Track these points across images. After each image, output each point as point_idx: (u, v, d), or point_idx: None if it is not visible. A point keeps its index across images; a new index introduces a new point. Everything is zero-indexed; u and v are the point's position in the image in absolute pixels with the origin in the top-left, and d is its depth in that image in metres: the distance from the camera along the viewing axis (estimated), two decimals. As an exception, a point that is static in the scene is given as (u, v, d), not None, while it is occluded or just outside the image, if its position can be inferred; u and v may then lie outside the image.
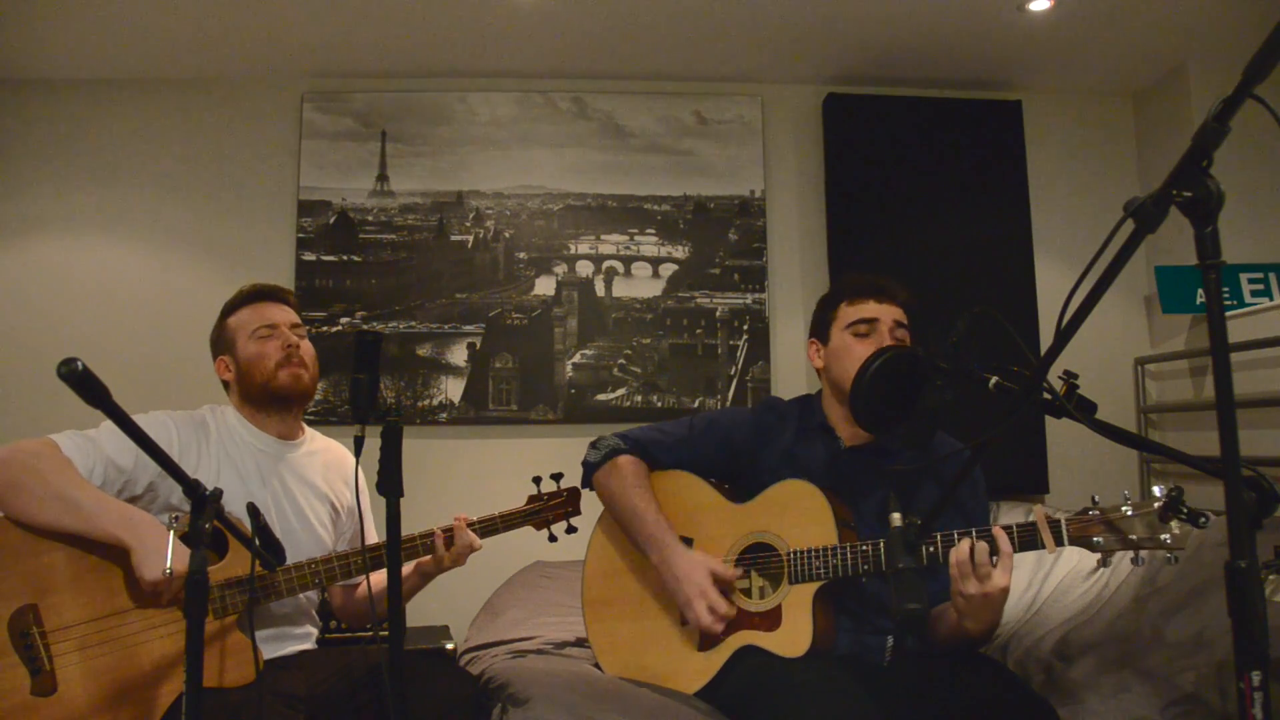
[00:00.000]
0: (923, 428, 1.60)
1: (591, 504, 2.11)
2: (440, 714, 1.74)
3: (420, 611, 2.99)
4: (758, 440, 2.01)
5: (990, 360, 1.49)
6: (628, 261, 3.69)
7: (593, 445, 2.08)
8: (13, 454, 1.69)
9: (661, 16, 3.23)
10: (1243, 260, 3.31)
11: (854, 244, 3.57)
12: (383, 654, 1.46)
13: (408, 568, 2.00)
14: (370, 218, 3.60)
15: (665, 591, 1.89)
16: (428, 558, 1.96)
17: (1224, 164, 1.00)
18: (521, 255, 3.65)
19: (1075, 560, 2.53)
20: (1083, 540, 1.52)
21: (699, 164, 3.73)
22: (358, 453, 1.44)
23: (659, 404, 3.62)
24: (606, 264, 3.68)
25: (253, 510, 1.50)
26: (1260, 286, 3.30)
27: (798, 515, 1.83)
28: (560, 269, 3.66)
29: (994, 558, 1.56)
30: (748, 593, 1.87)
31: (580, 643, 2.24)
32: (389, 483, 1.39)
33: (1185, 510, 1.40)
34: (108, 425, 1.78)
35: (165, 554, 1.55)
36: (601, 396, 3.61)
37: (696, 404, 3.63)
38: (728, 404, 3.62)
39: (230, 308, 2.04)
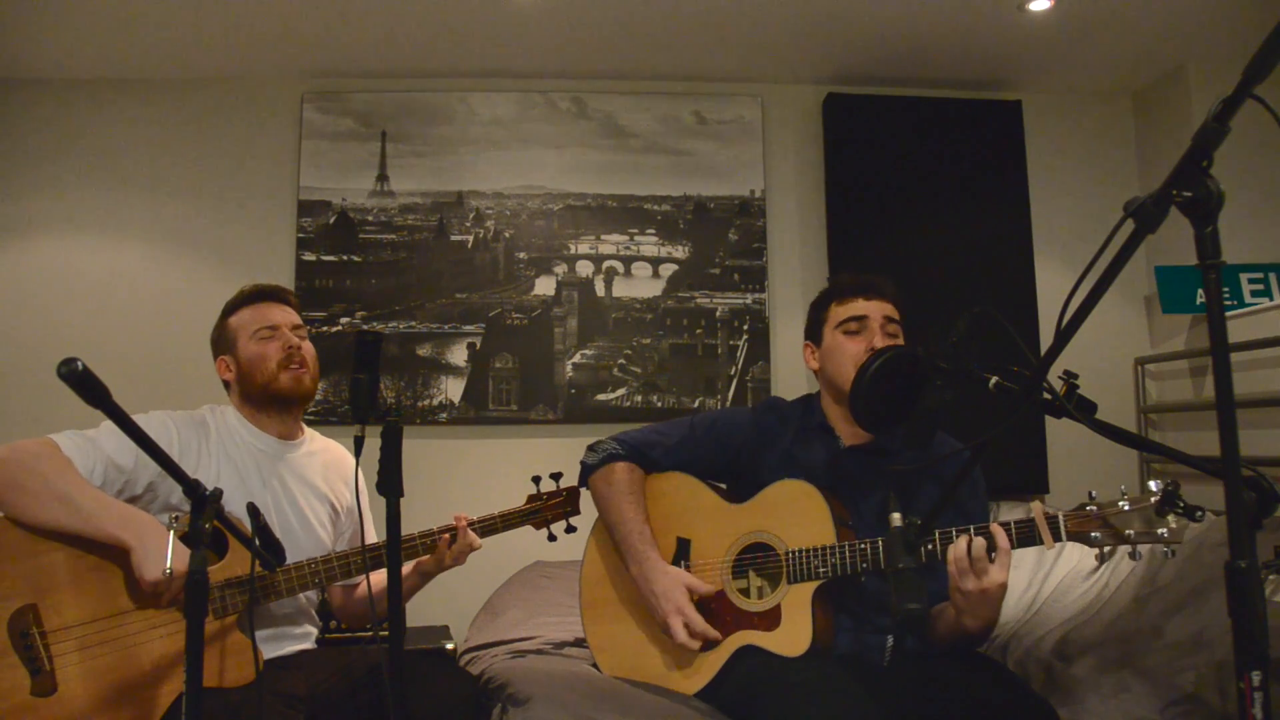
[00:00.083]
0: (923, 428, 1.60)
1: (590, 504, 2.11)
2: (440, 714, 1.74)
3: (420, 611, 2.99)
4: (758, 441, 2.01)
5: (990, 360, 1.49)
6: (628, 261, 3.69)
7: (590, 448, 2.09)
8: (13, 454, 1.69)
9: (661, 16, 3.23)
10: (1243, 260, 3.31)
11: (854, 244, 3.57)
12: (383, 654, 1.47)
13: (407, 567, 2.00)
14: (370, 218, 3.60)
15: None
16: (427, 557, 1.96)
17: (1224, 164, 1.00)
18: (521, 255, 3.65)
19: (1075, 560, 2.53)
20: (1080, 535, 1.52)
21: (699, 164, 3.73)
22: (358, 453, 1.44)
23: (659, 404, 3.62)
24: (606, 264, 3.68)
25: (253, 510, 1.50)
26: (1260, 286, 3.30)
27: (796, 515, 1.83)
28: (560, 269, 3.66)
29: (992, 554, 1.56)
30: (746, 592, 1.87)
31: (579, 643, 2.24)
32: (389, 483, 1.39)
33: (1182, 504, 1.41)
34: (107, 425, 1.78)
35: (165, 554, 1.55)
36: (601, 396, 3.61)
37: (696, 404, 3.63)
38: (728, 404, 3.62)
39: (231, 307, 2.04)
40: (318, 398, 3.42)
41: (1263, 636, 0.97)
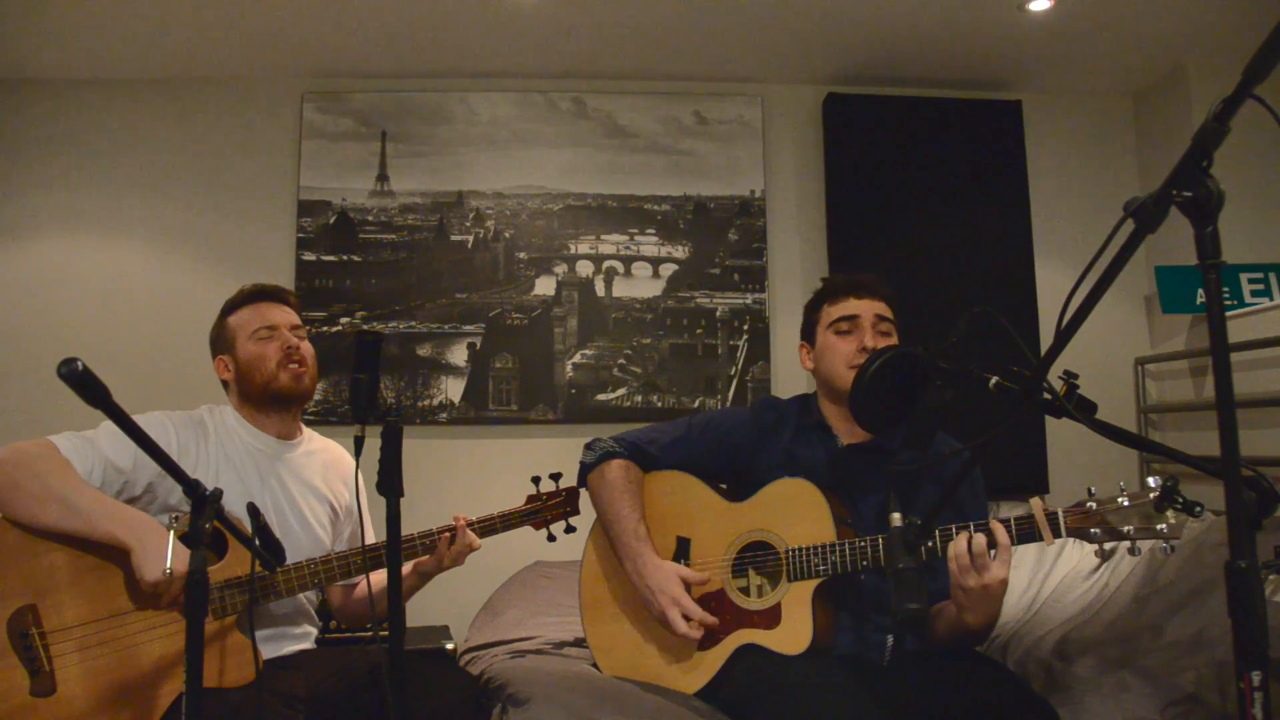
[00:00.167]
0: (923, 428, 1.60)
1: (589, 506, 2.11)
2: (440, 714, 1.74)
3: (420, 611, 2.99)
4: (757, 440, 2.01)
5: (990, 360, 1.49)
6: (628, 261, 3.69)
7: (588, 446, 2.09)
8: (11, 455, 1.69)
9: (661, 16, 3.24)
10: (1243, 260, 3.31)
11: (854, 244, 3.57)
12: (383, 654, 1.46)
13: (406, 568, 2.00)
14: (370, 218, 3.60)
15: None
16: (426, 557, 1.96)
17: (1224, 164, 1.01)
18: (521, 255, 3.65)
19: (1075, 560, 2.53)
20: (1080, 532, 1.52)
21: (699, 164, 3.73)
22: (358, 453, 1.43)
23: (659, 404, 3.62)
24: (606, 264, 3.68)
25: (253, 510, 1.50)
26: (1260, 286, 3.30)
27: (795, 513, 1.83)
28: (560, 269, 3.66)
29: (992, 551, 1.56)
30: (746, 591, 1.87)
31: (579, 643, 2.24)
32: (389, 483, 1.39)
33: (1180, 500, 1.41)
34: (106, 426, 1.79)
35: (165, 554, 1.55)
36: (601, 396, 3.61)
37: (696, 404, 3.63)
38: (728, 404, 3.62)
39: (230, 307, 2.04)
40: (317, 398, 3.44)
41: (1263, 636, 0.97)
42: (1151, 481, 1.46)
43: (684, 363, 3.66)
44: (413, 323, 3.58)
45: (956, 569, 1.57)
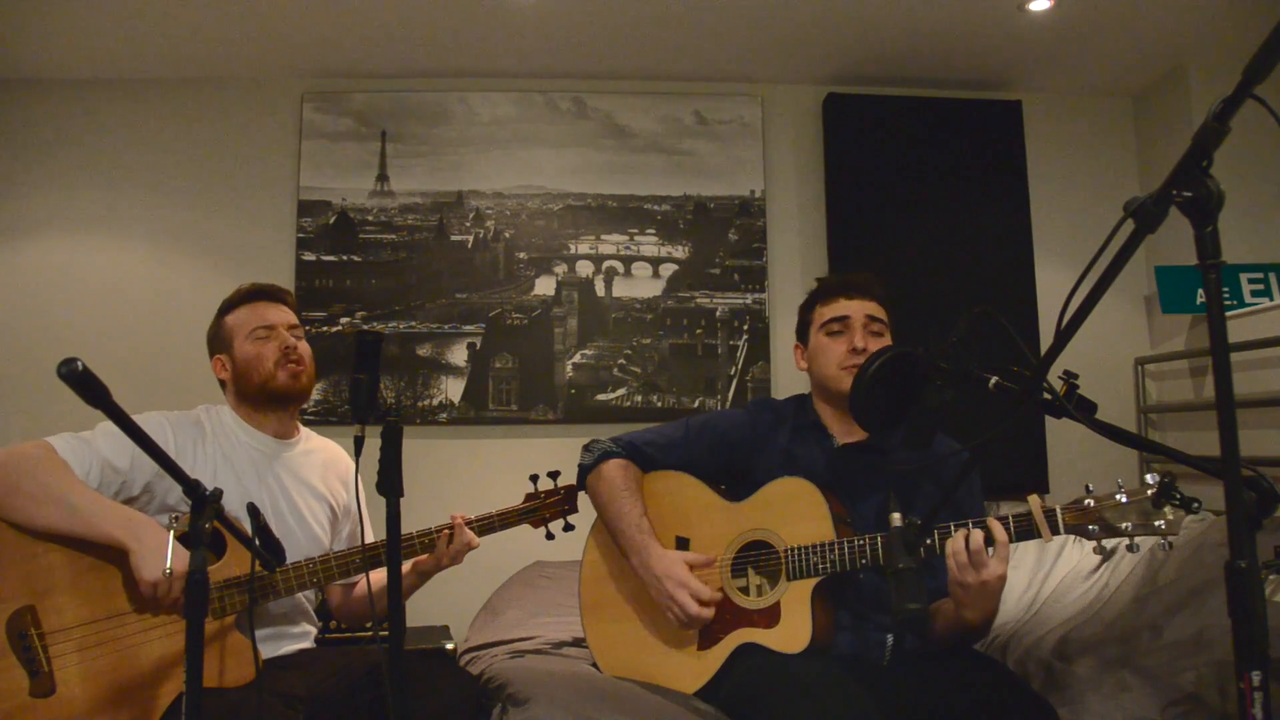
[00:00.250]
0: (923, 428, 1.60)
1: (588, 505, 2.11)
2: (440, 714, 1.74)
3: (420, 611, 2.99)
4: (754, 439, 2.01)
5: (990, 360, 1.49)
6: (628, 261, 3.69)
7: (586, 448, 2.09)
8: (8, 457, 1.69)
9: (661, 16, 3.23)
10: (1243, 260, 3.31)
11: (854, 244, 3.57)
12: (383, 654, 1.46)
13: (405, 567, 2.00)
14: (370, 218, 3.60)
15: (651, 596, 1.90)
16: (425, 556, 1.96)
17: (1224, 164, 1.01)
18: (521, 255, 3.65)
19: (1075, 560, 2.53)
20: (1077, 528, 1.53)
21: (699, 164, 3.73)
22: (357, 452, 1.43)
23: (659, 404, 3.61)
24: (606, 264, 3.68)
25: (253, 510, 1.50)
26: (1260, 286, 3.30)
27: (794, 512, 1.83)
28: (560, 269, 3.66)
29: (990, 548, 1.56)
30: (745, 590, 1.87)
31: (579, 643, 2.24)
32: (389, 483, 1.39)
33: (1178, 496, 1.42)
34: (103, 427, 1.79)
35: (164, 554, 1.55)
36: (601, 396, 3.61)
37: (696, 404, 3.63)
38: (728, 404, 3.62)
39: (228, 306, 2.04)
40: (317, 398, 3.44)
41: (1263, 636, 0.97)
42: (1149, 478, 1.47)
43: (684, 363, 3.66)
44: (413, 323, 3.58)
45: (955, 566, 1.57)
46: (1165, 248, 3.44)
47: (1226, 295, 3.26)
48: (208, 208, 3.56)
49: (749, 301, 3.69)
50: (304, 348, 2.01)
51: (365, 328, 3.47)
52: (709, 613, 1.82)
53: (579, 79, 3.72)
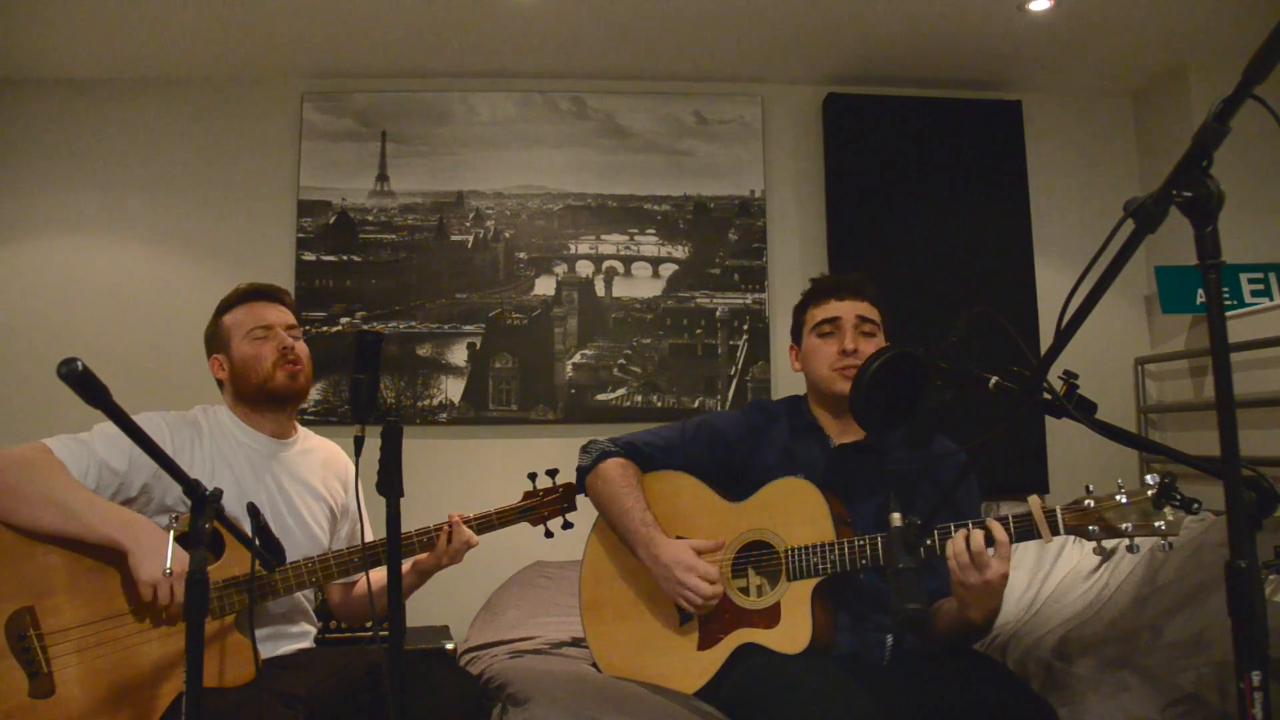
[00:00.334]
0: (923, 428, 1.60)
1: (588, 506, 2.11)
2: (440, 714, 1.74)
3: (420, 611, 2.99)
4: (751, 439, 2.02)
5: (990, 360, 1.49)
6: (628, 261, 3.69)
7: (584, 449, 2.09)
8: (5, 459, 1.69)
9: (661, 16, 3.23)
10: (1243, 260, 3.31)
11: (854, 244, 3.57)
12: (383, 654, 1.46)
13: (405, 566, 2.00)
14: (370, 218, 3.60)
15: (660, 590, 1.90)
16: (425, 555, 1.96)
17: (1224, 164, 1.00)
18: (521, 255, 3.65)
19: (1075, 560, 2.53)
20: (1078, 529, 1.53)
21: (699, 164, 3.73)
22: (357, 452, 1.43)
23: (659, 404, 3.61)
24: (606, 264, 3.68)
25: (253, 510, 1.50)
26: (1260, 286, 3.30)
27: (794, 512, 1.83)
28: (560, 269, 3.66)
29: (990, 548, 1.56)
30: (745, 590, 1.87)
31: (579, 643, 2.24)
32: (389, 483, 1.39)
33: (1178, 497, 1.42)
34: (100, 428, 1.79)
35: (163, 555, 1.56)
36: (601, 396, 3.61)
37: (697, 404, 3.63)
38: (728, 404, 3.62)
39: (225, 306, 2.03)
40: (318, 398, 3.44)
41: (1263, 636, 0.97)
42: (1149, 479, 1.46)
43: (684, 363, 3.66)
44: (413, 323, 3.58)
45: (957, 567, 1.57)
46: (1165, 248, 3.44)
47: (1226, 295, 3.26)
48: (208, 208, 3.56)
49: (749, 301, 3.69)
50: (301, 348, 2.01)
51: (365, 328, 3.47)
52: (719, 590, 1.83)
53: (579, 79, 3.72)
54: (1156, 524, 1.46)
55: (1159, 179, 1.03)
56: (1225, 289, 3.20)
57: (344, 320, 3.54)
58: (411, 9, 3.14)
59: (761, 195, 3.74)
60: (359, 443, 1.42)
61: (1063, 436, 3.47)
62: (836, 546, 1.75)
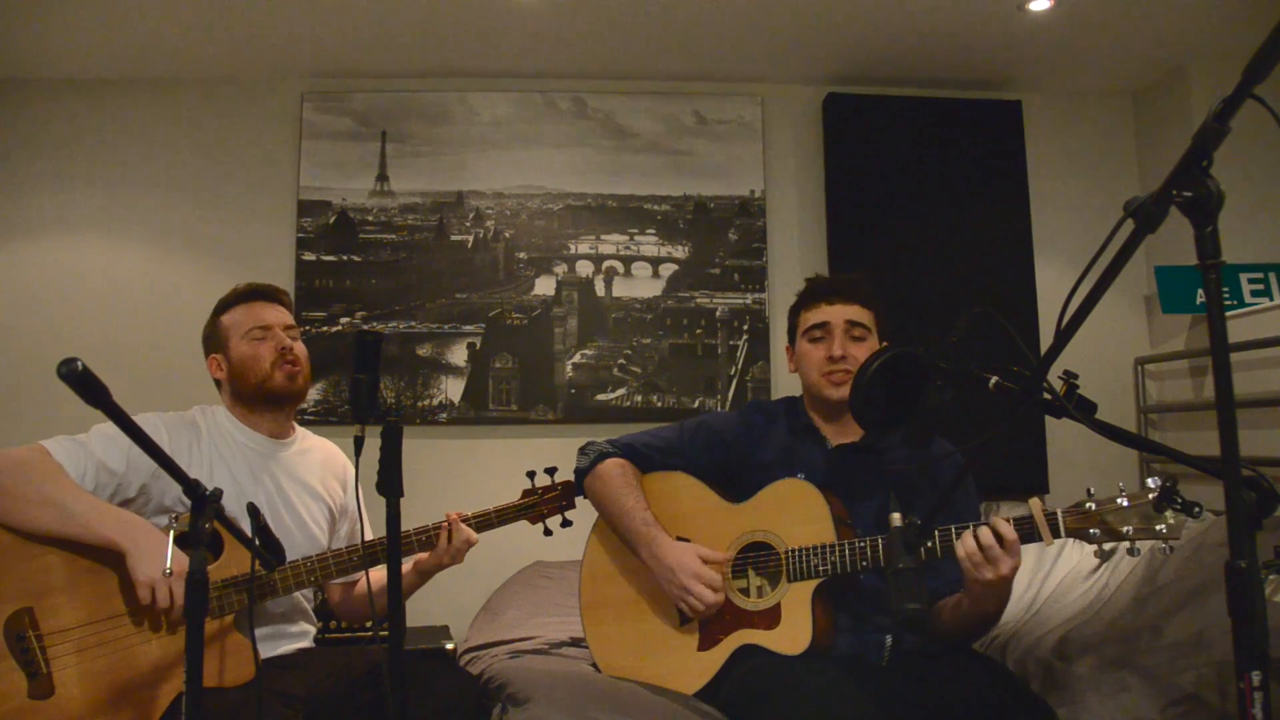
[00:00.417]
0: (923, 428, 1.60)
1: (587, 506, 2.10)
2: (440, 714, 1.74)
3: (420, 611, 2.99)
4: (749, 439, 2.02)
5: (990, 360, 1.49)
6: (628, 261, 3.69)
7: (582, 451, 2.09)
8: (2, 461, 1.69)
9: (661, 16, 3.23)
10: (1243, 260, 3.31)
11: (854, 244, 3.57)
12: (383, 654, 1.46)
13: (406, 566, 2.00)
14: (370, 218, 3.60)
15: (660, 590, 1.90)
16: (425, 556, 1.96)
17: (1224, 164, 1.00)
18: (521, 255, 3.65)
19: (1075, 560, 2.53)
20: (1079, 532, 1.53)
21: (699, 164, 3.73)
22: (357, 452, 1.43)
23: (659, 404, 3.61)
24: (606, 264, 3.68)
25: (253, 510, 1.50)
26: (1260, 286, 3.30)
27: (795, 514, 1.83)
28: (560, 269, 3.66)
29: (1001, 544, 1.57)
30: (746, 591, 1.87)
31: (578, 643, 2.24)
32: (389, 483, 1.39)
33: (1180, 500, 1.42)
34: (97, 429, 1.79)
35: (161, 556, 1.56)
36: (601, 396, 3.61)
37: (697, 404, 3.63)
38: (728, 404, 3.62)
39: (223, 306, 2.03)
40: (317, 398, 3.44)
41: (1263, 636, 0.97)
42: (1151, 482, 1.46)
43: (684, 363, 3.66)
44: (413, 323, 3.58)
45: (970, 566, 1.57)
46: (1165, 248, 3.44)
47: (1226, 295, 3.26)
48: (208, 208, 3.56)
49: (749, 301, 3.69)
50: (300, 348, 2.01)
51: (365, 328, 3.47)
52: (720, 598, 1.83)
53: (579, 79, 3.72)
54: (1158, 527, 1.46)
55: (1159, 179, 1.03)
56: (1225, 289, 3.20)
57: (344, 320, 3.54)
58: (411, 9, 3.14)
59: (761, 195, 3.74)
60: (359, 443, 1.42)
61: (1063, 436, 3.47)
62: (837, 548, 1.75)
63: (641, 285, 3.68)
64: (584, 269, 3.67)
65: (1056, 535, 1.56)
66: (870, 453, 1.94)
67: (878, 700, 1.57)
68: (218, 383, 2.03)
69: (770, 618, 1.81)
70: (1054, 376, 1.36)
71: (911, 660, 1.80)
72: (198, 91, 3.59)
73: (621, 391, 3.62)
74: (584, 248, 3.67)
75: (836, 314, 1.96)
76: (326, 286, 3.56)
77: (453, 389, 3.56)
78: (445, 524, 1.94)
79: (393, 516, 1.40)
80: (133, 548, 1.62)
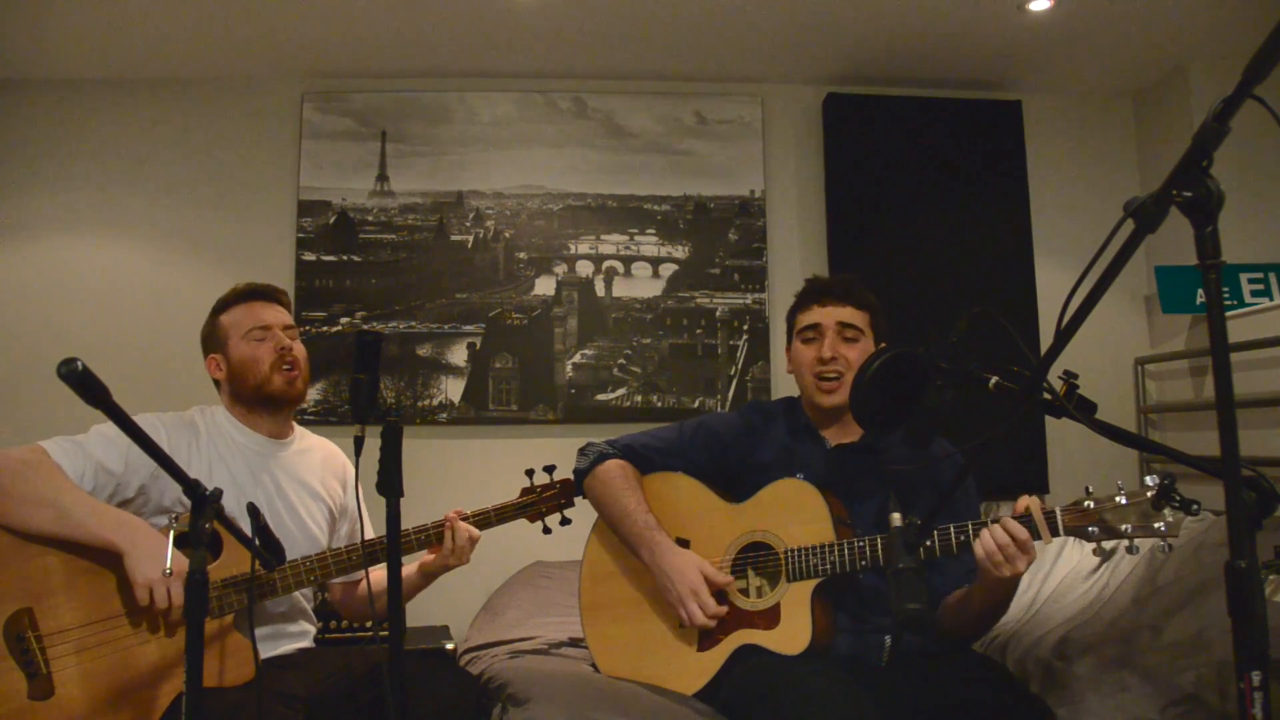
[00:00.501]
0: (923, 428, 1.60)
1: (586, 505, 2.10)
2: (440, 714, 1.74)
3: (420, 611, 2.99)
4: (748, 439, 2.02)
5: (990, 360, 1.49)
6: (628, 261, 3.69)
7: (581, 452, 2.09)
8: (1, 461, 1.69)
9: (661, 16, 3.23)
10: (1243, 260, 3.31)
11: (854, 244, 3.57)
12: (383, 654, 1.46)
13: (411, 567, 2.00)
14: (370, 218, 3.60)
15: (659, 591, 1.90)
16: (431, 557, 1.96)
17: (1224, 164, 1.00)
18: (521, 255, 3.65)
19: (1075, 560, 2.53)
20: (1077, 530, 1.53)
21: (699, 164, 3.73)
22: (357, 452, 1.43)
23: (659, 404, 3.61)
24: (606, 264, 3.68)
25: (253, 510, 1.50)
26: (1260, 286, 3.30)
27: (794, 513, 1.83)
28: (560, 269, 3.66)
29: (1017, 542, 1.58)
30: (745, 592, 1.87)
31: (578, 643, 2.24)
32: (389, 483, 1.39)
33: (1178, 498, 1.42)
34: (96, 430, 1.79)
35: (159, 556, 1.56)
36: (601, 396, 3.61)
37: (697, 404, 3.63)
38: (728, 404, 3.62)
39: (222, 305, 2.02)
40: (317, 397, 3.44)
41: (1263, 636, 0.97)
42: (1149, 480, 1.47)
43: (684, 363, 3.66)
44: (413, 323, 3.58)
45: (990, 565, 1.57)
46: (1165, 248, 3.44)
47: (1226, 295, 3.26)
48: (208, 208, 3.56)
49: (749, 301, 3.69)
50: (299, 348, 2.00)
51: (365, 328, 3.47)
52: (713, 623, 1.83)
53: (579, 79, 3.72)
54: (1156, 525, 1.46)
55: (1159, 179, 1.03)
56: (1225, 289, 3.20)
57: (344, 320, 3.54)
58: (412, 9, 3.14)
59: (761, 195, 3.74)
60: (359, 443, 1.42)
61: (1063, 436, 3.47)
62: (836, 548, 1.75)
63: (641, 285, 3.68)
64: (584, 269, 3.67)
65: (1055, 533, 1.56)
66: (870, 453, 1.94)
67: (877, 700, 1.57)
68: (217, 383, 2.03)
69: (770, 618, 1.81)
70: (1054, 376, 1.36)
71: (911, 660, 1.81)
72: (198, 91, 3.59)
73: (621, 391, 3.62)
74: (584, 248, 3.67)
75: (829, 315, 1.97)
76: (326, 286, 3.56)
77: (453, 389, 3.56)
78: (446, 524, 1.94)
79: (393, 516, 1.40)
80: (130, 548, 1.62)
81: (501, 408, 3.57)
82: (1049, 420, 3.45)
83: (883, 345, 1.98)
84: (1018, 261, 3.61)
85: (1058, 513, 1.56)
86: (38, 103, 3.51)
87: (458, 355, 3.58)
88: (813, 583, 1.76)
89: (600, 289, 3.67)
